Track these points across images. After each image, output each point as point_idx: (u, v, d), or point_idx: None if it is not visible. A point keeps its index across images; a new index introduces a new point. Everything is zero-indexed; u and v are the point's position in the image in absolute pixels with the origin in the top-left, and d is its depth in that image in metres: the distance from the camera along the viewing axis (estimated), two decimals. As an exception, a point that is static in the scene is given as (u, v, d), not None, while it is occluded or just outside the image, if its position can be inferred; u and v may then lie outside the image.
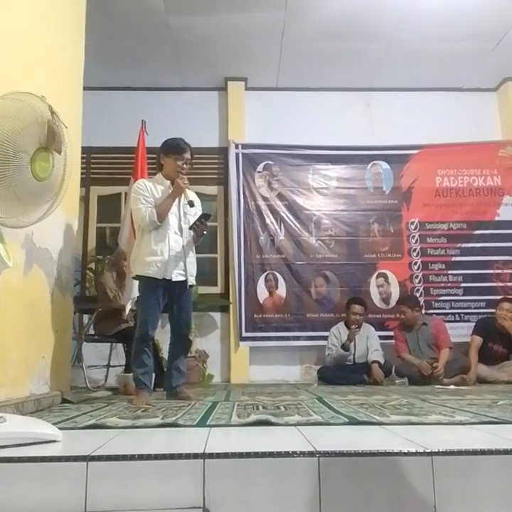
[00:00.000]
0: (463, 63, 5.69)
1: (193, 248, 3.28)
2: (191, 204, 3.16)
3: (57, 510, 1.29)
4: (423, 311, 5.34)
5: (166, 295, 3.17)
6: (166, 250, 3.11)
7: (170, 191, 3.18)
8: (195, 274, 3.29)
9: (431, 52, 5.44)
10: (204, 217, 3.15)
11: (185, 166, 3.20)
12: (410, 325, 5.00)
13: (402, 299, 5.31)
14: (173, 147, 3.23)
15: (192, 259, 3.26)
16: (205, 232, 3.20)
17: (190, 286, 3.24)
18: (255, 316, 5.54)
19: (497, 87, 6.17)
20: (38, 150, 1.72)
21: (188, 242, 3.21)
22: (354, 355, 4.94)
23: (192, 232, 3.18)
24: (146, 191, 3.17)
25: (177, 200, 3.21)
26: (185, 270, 3.17)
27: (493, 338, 4.90)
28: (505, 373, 4.76)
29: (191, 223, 3.16)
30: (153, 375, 3.25)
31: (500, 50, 5.41)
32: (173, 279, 3.12)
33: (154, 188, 3.21)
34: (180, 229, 3.19)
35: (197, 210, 3.25)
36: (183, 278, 3.16)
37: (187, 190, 3.15)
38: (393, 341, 5.11)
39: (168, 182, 3.21)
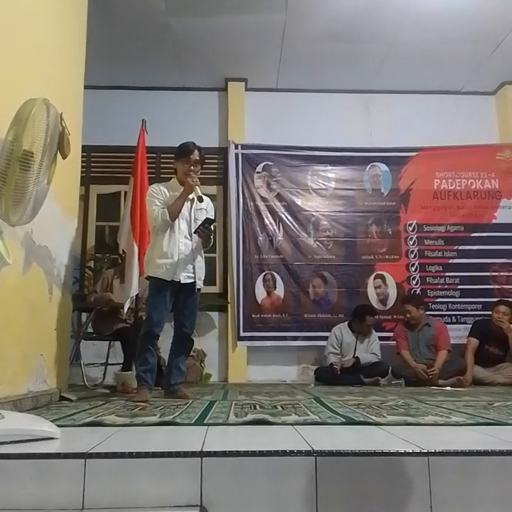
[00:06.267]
0: (462, 66, 5.71)
1: (202, 253, 3.36)
2: (200, 199, 3.23)
3: (54, 507, 1.29)
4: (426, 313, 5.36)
5: (173, 296, 3.23)
6: (176, 253, 3.19)
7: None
8: (203, 278, 3.36)
9: (430, 54, 5.46)
10: (208, 222, 3.22)
11: (193, 167, 3.25)
12: (414, 324, 5.02)
13: (407, 298, 5.31)
14: (181, 151, 3.31)
15: (201, 263, 3.33)
16: (211, 237, 3.26)
17: (198, 289, 3.30)
18: (253, 315, 5.55)
19: (495, 91, 6.19)
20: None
21: (196, 246, 3.28)
22: (354, 358, 4.94)
23: (197, 237, 3.25)
24: (160, 194, 3.26)
25: (188, 206, 3.29)
26: (194, 273, 3.25)
27: (490, 340, 4.92)
28: (501, 375, 4.79)
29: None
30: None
31: (500, 53, 5.43)
32: (181, 281, 3.19)
33: (168, 192, 3.28)
34: (191, 234, 3.27)
35: (209, 216, 3.32)
36: (191, 280, 3.24)
37: (197, 187, 3.20)
38: (391, 342, 5.13)
39: (181, 187, 3.25)
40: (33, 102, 1.67)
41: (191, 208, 3.31)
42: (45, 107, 1.68)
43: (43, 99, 1.70)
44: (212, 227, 3.22)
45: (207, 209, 3.40)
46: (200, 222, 3.24)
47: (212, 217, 3.31)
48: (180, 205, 3.21)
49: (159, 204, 3.21)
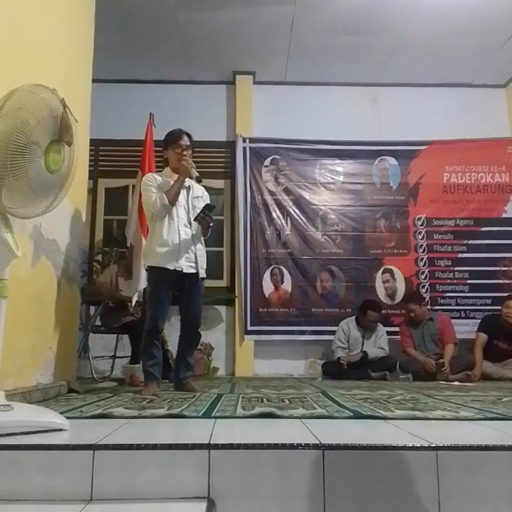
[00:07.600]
0: (472, 59, 5.66)
1: (202, 241, 3.31)
2: (199, 180, 3.20)
3: (63, 497, 1.30)
4: (429, 307, 5.34)
5: (175, 288, 3.19)
6: (177, 241, 3.14)
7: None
8: (205, 267, 3.30)
9: (439, 47, 5.41)
10: (208, 208, 3.18)
11: (185, 151, 3.22)
12: (418, 321, 5.00)
13: (408, 297, 5.29)
14: (170, 138, 3.30)
15: (202, 251, 3.28)
16: (211, 224, 3.22)
17: (202, 278, 3.26)
18: (260, 310, 5.55)
19: (506, 84, 6.13)
20: (51, 143, 1.73)
21: (196, 234, 3.24)
22: (361, 352, 4.93)
23: (197, 224, 3.21)
24: (155, 182, 3.22)
25: (185, 194, 3.26)
26: (196, 262, 3.19)
27: (499, 335, 4.89)
28: (510, 370, 4.77)
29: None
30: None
31: (510, 46, 5.37)
32: (183, 271, 3.14)
33: (163, 181, 3.24)
34: (190, 222, 3.23)
35: (206, 202, 3.30)
36: (193, 270, 3.19)
37: (193, 169, 3.17)
38: (398, 337, 5.11)
39: (176, 175, 3.22)
40: (14, 89, 1.64)
41: (188, 196, 3.28)
42: (32, 92, 1.65)
43: (32, 84, 1.67)
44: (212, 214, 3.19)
45: (203, 197, 3.37)
46: (198, 210, 3.20)
47: (212, 204, 3.27)
48: (178, 189, 3.16)
49: (156, 191, 3.16)
